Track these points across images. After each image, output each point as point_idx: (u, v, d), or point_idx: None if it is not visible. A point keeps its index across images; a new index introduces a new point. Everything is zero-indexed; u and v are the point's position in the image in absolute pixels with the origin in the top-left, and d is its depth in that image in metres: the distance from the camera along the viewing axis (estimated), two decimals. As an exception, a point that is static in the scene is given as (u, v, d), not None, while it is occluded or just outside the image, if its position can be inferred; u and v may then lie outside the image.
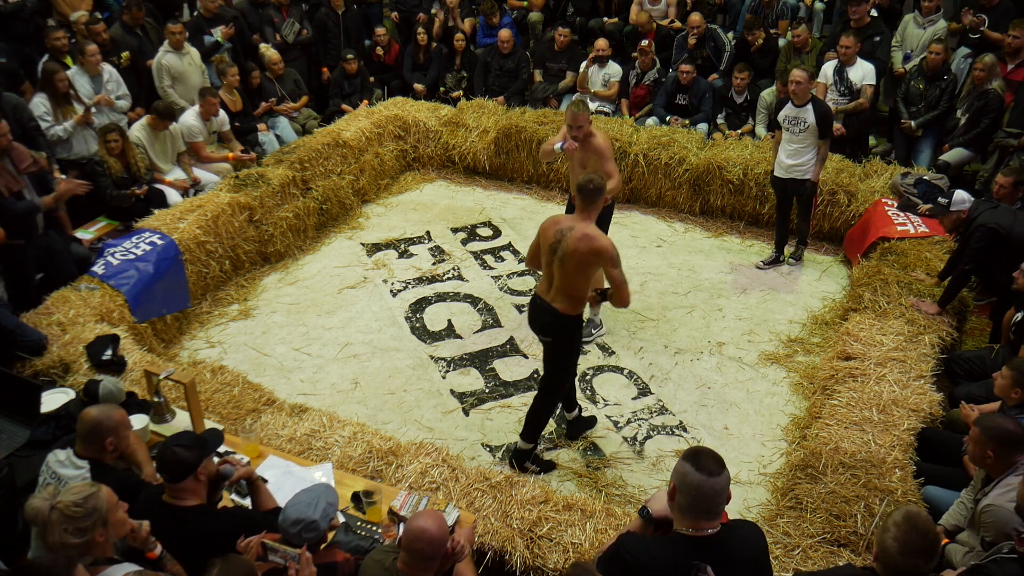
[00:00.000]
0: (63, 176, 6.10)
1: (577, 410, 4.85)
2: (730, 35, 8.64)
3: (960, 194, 5.33)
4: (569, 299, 4.17)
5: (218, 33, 8.10)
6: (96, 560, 2.66)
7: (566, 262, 4.06)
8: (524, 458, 4.53)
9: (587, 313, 5.84)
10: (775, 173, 6.22)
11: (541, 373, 4.60)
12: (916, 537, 2.48)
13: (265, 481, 3.40)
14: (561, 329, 4.28)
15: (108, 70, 7.04)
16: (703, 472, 2.37)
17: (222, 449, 3.86)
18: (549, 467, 4.61)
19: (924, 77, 7.38)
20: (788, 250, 6.57)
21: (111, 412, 3.30)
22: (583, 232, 4.01)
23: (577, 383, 5.28)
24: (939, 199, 5.58)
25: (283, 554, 2.86)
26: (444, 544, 2.79)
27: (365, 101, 8.60)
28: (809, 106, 5.82)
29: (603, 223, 5.48)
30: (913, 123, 7.40)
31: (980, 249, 4.99)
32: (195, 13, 8.58)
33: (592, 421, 4.96)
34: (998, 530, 3.20)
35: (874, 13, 8.05)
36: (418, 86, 9.01)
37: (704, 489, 2.36)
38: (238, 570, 2.60)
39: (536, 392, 4.58)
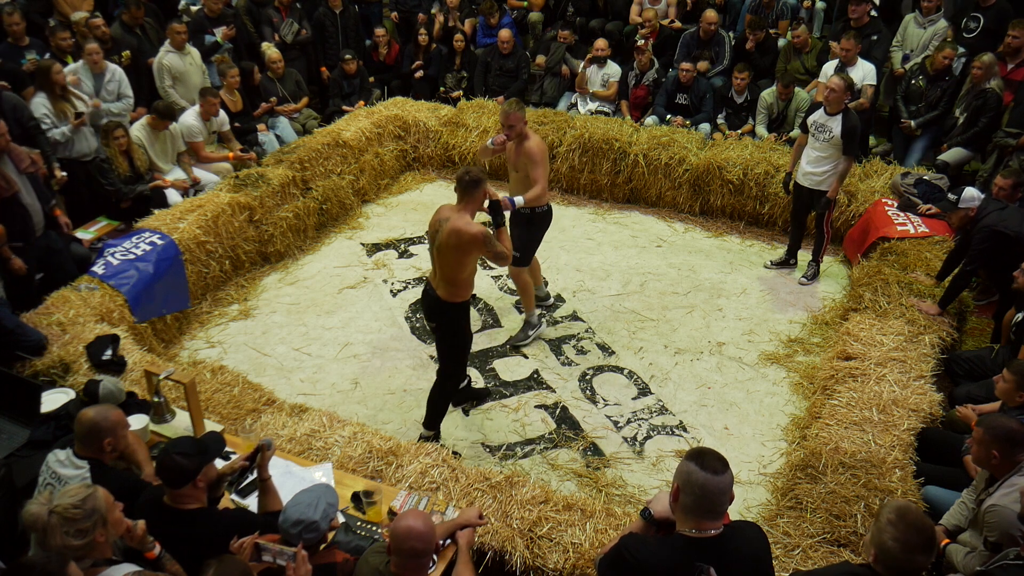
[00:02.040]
0: (64, 174, 6.10)
1: (466, 380, 5.00)
2: (730, 35, 8.64)
3: (970, 191, 5.26)
4: (449, 286, 4.28)
5: (219, 33, 8.10)
6: (96, 561, 2.65)
7: (442, 252, 4.19)
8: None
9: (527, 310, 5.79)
10: (796, 179, 6.09)
11: (438, 362, 4.67)
12: (914, 534, 2.49)
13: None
14: (443, 315, 4.40)
15: (112, 69, 7.01)
16: (708, 471, 2.35)
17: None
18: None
19: (926, 76, 7.37)
20: (801, 255, 6.51)
21: (108, 413, 3.29)
22: (453, 226, 4.10)
23: (576, 380, 5.32)
24: (949, 195, 5.51)
25: (276, 553, 2.86)
26: (433, 539, 2.79)
27: (361, 103, 8.60)
28: (839, 117, 5.64)
29: (539, 229, 5.39)
30: (913, 123, 7.40)
31: (983, 250, 4.98)
32: (181, 7, 8.57)
33: (483, 393, 5.10)
34: (1002, 531, 3.20)
35: (873, 13, 8.05)
36: (417, 74, 9.10)
37: (709, 488, 2.34)
38: (234, 570, 2.60)
39: (435, 380, 4.66)
